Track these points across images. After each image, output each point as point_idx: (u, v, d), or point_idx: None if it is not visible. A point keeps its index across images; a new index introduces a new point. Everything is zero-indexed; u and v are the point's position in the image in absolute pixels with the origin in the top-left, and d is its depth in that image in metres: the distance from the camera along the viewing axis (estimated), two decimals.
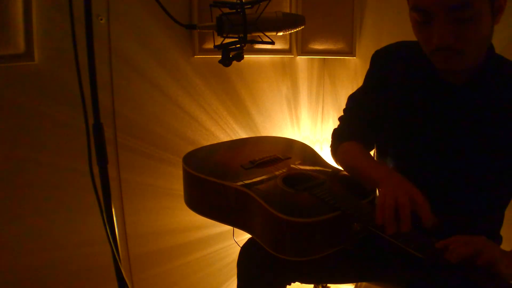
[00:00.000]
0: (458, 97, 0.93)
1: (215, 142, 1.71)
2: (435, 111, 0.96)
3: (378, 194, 0.85)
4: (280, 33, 0.91)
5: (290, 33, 1.01)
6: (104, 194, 0.80)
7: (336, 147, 1.14)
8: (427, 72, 0.96)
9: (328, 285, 1.36)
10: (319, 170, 1.12)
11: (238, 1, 0.85)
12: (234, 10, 0.86)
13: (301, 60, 1.94)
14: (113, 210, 0.80)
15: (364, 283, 1.26)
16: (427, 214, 0.78)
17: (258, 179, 1.04)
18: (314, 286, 1.37)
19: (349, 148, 1.09)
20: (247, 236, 1.04)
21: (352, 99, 1.17)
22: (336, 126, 1.20)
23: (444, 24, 0.81)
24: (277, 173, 1.07)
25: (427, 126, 0.97)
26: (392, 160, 1.06)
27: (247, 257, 1.06)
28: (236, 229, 1.07)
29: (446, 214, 0.97)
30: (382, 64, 1.07)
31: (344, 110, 1.19)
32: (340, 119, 1.19)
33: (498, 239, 1.04)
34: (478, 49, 0.86)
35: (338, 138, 1.15)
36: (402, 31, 1.04)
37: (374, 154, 1.17)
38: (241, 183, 1.00)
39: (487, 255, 0.71)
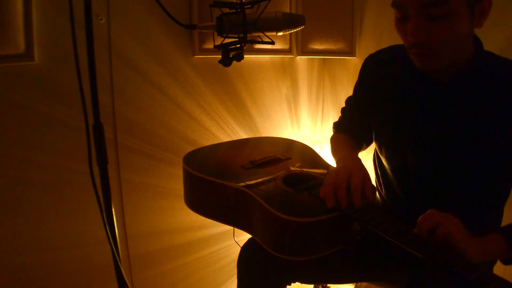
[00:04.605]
0: (448, 95, 0.93)
1: (215, 142, 1.72)
2: (426, 110, 0.97)
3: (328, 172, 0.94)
4: (280, 33, 0.91)
5: (290, 33, 1.01)
6: (104, 194, 0.80)
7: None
8: (416, 71, 0.96)
9: (328, 285, 1.36)
10: (319, 170, 1.12)
11: (238, 1, 0.85)
12: (234, 10, 0.86)
13: (301, 60, 1.94)
14: (113, 210, 0.80)
15: (364, 283, 1.26)
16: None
17: (259, 179, 1.04)
18: (314, 286, 1.37)
19: (337, 138, 1.24)
20: (247, 236, 1.04)
21: (348, 102, 1.23)
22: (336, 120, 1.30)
23: (417, 20, 0.81)
24: (277, 173, 1.07)
25: (420, 125, 0.98)
26: (388, 161, 1.06)
27: (247, 257, 1.06)
28: (236, 229, 1.07)
29: (443, 211, 0.97)
30: (374, 69, 1.10)
31: (342, 110, 1.26)
32: (341, 111, 1.27)
33: None
34: (453, 49, 0.85)
35: (335, 130, 1.27)
36: None
37: (373, 155, 1.18)
38: (241, 183, 1.00)
39: (443, 228, 0.76)
